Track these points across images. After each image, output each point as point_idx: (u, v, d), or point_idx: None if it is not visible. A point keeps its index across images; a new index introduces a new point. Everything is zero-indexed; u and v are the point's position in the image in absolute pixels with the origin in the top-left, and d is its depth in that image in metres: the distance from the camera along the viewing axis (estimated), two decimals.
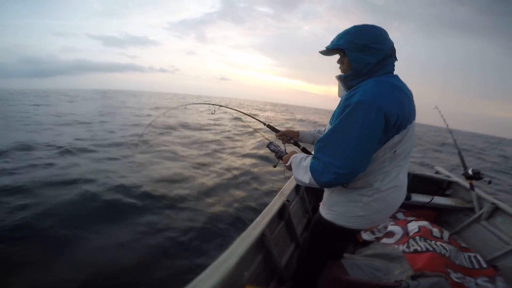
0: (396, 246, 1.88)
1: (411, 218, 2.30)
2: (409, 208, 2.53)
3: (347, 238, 1.34)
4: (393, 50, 1.02)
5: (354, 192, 1.08)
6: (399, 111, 0.93)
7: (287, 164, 1.20)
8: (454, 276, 1.65)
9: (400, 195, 1.12)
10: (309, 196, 2.56)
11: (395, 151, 1.00)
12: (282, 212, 1.87)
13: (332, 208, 1.16)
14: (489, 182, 2.59)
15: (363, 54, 0.99)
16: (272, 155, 1.44)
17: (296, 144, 1.53)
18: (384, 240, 2.03)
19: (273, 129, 1.64)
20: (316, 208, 2.46)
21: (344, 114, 0.94)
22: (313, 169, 0.99)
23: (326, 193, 1.23)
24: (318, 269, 1.34)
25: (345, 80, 1.08)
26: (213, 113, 1.99)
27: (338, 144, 0.94)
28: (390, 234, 2.08)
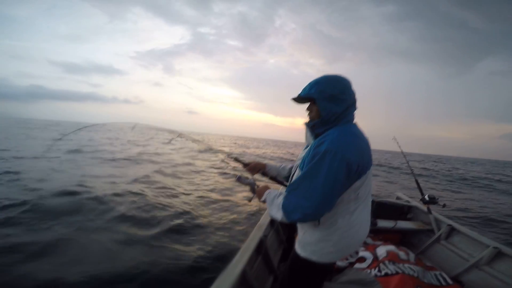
0: (368, 271, 1.96)
1: (379, 243, 2.43)
2: (376, 233, 2.68)
3: (324, 272, 1.38)
4: (355, 100, 1.16)
5: (324, 232, 1.16)
6: (360, 159, 1.05)
7: (262, 199, 1.28)
8: None
9: (364, 231, 1.23)
10: (283, 226, 2.60)
11: (358, 194, 1.12)
12: (259, 247, 1.89)
13: (306, 247, 1.22)
14: (444, 206, 2.87)
15: (332, 104, 1.10)
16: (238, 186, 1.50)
17: (264, 174, 1.59)
18: (357, 265, 2.10)
19: (240, 161, 1.67)
20: (290, 238, 2.50)
21: (313, 162, 1.05)
22: (284, 208, 1.09)
23: (300, 232, 1.29)
24: None
25: (313, 127, 1.18)
26: (169, 143, 1.98)
27: (307, 188, 1.04)
28: (362, 260, 2.16)
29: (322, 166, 1.02)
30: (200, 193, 6.03)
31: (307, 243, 1.22)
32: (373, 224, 2.64)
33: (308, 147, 1.19)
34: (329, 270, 1.43)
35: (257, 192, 1.37)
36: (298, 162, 1.30)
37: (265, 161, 1.67)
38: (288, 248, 2.43)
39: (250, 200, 1.59)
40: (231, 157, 1.73)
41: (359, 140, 1.10)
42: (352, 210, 1.14)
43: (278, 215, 1.11)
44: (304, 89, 1.17)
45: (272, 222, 2.38)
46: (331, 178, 1.01)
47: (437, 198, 2.82)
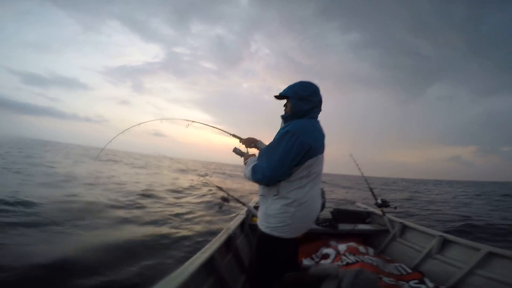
0: (332, 264, 2.07)
1: (342, 243, 2.58)
2: (339, 237, 2.83)
3: (286, 249, 1.49)
4: (320, 103, 1.50)
5: (282, 202, 1.37)
6: (313, 143, 1.35)
7: (245, 161, 1.54)
8: (386, 279, 1.88)
9: (316, 206, 1.48)
10: (253, 233, 2.65)
11: (310, 171, 1.39)
12: (229, 243, 1.95)
13: (268, 220, 1.41)
14: (395, 208, 3.17)
15: (301, 103, 1.42)
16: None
17: (256, 147, 1.80)
18: (322, 262, 2.21)
19: (237, 136, 1.90)
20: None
21: (276, 138, 1.37)
22: (253, 168, 1.38)
23: (263, 207, 1.47)
24: (269, 281, 1.42)
25: (285, 118, 1.50)
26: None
27: (269, 156, 1.35)
28: (326, 256, 2.28)
29: (282, 142, 1.31)
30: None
31: (269, 215, 1.39)
32: (334, 227, 2.81)
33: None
34: (291, 247, 1.54)
35: (245, 157, 1.62)
36: None
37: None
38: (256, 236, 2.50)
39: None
40: (231, 134, 1.97)
41: (314, 130, 1.40)
42: (303, 185, 1.37)
43: (248, 174, 1.39)
44: (284, 90, 1.49)
45: (242, 226, 2.43)
46: (287, 151, 1.29)
47: (389, 202, 3.12)
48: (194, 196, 8.71)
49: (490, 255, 1.96)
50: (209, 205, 6.96)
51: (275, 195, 1.37)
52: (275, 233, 1.37)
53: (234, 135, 1.93)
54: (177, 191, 9.43)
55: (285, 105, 1.54)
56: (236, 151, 1.76)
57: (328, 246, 2.58)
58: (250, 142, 1.80)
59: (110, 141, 2.46)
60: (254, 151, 1.76)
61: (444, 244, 2.34)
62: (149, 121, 2.46)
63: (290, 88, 1.46)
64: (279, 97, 1.53)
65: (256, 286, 1.51)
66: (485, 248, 2.00)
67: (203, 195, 8.83)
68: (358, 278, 1.06)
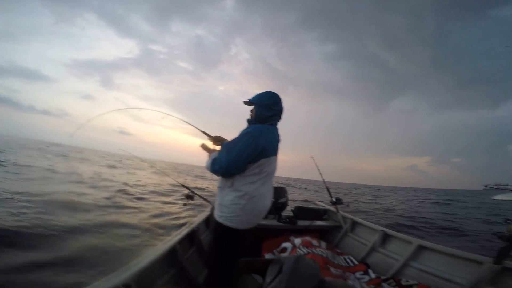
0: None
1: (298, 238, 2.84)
2: (299, 232, 3.09)
3: (239, 240, 1.64)
4: (280, 112, 1.72)
5: (235, 194, 1.55)
6: (266, 145, 1.56)
7: (209, 154, 1.71)
8: (333, 270, 2.09)
9: (265, 203, 1.67)
10: None
11: (261, 170, 1.60)
12: (192, 237, 2.04)
13: (222, 210, 1.58)
14: (348, 205, 3.53)
15: (264, 110, 1.63)
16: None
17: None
18: (281, 255, 2.44)
19: (206, 133, 2.02)
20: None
21: (237, 137, 1.56)
22: (213, 160, 1.57)
23: (219, 197, 1.64)
24: (226, 269, 1.55)
25: (249, 122, 1.70)
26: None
27: (228, 150, 1.54)
28: (284, 250, 2.51)
29: (241, 140, 1.52)
30: None
31: (223, 205, 1.57)
32: (293, 223, 3.07)
33: None
34: (246, 240, 1.71)
35: (210, 150, 1.77)
36: None
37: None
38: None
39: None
40: (200, 130, 2.04)
41: (270, 134, 1.62)
42: (255, 181, 1.57)
43: (209, 167, 1.58)
44: (252, 97, 1.69)
45: (207, 223, 2.55)
46: (243, 148, 1.49)
47: (342, 200, 3.48)
48: (164, 196, 8.65)
49: (420, 248, 2.18)
50: (176, 203, 6.98)
51: (230, 187, 1.55)
52: (227, 223, 1.54)
53: (203, 132, 2.04)
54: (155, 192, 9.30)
55: (251, 111, 1.73)
56: (204, 146, 1.88)
57: (287, 241, 2.83)
58: (217, 140, 1.94)
59: (73, 134, 2.16)
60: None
61: (385, 238, 2.59)
62: (125, 108, 2.40)
63: (257, 96, 1.68)
64: (247, 103, 1.72)
65: (213, 272, 1.64)
66: (416, 241, 2.23)
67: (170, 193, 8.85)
68: (298, 263, 1.25)
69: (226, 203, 1.55)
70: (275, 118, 1.69)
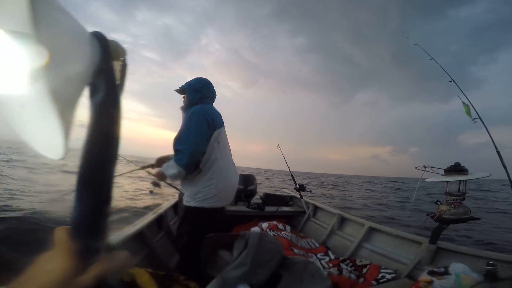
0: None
1: (265, 223, 3.03)
2: (267, 218, 3.26)
3: (213, 218, 1.72)
4: (212, 94, 1.79)
5: (205, 177, 1.61)
6: (213, 118, 1.63)
7: (160, 175, 1.69)
8: (296, 251, 2.22)
9: (234, 176, 1.77)
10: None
11: (219, 142, 1.67)
12: (160, 222, 2.06)
13: (196, 196, 1.61)
14: (310, 191, 3.79)
15: (194, 93, 1.71)
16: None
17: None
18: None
19: (148, 166, 1.99)
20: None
21: (185, 121, 1.58)
22: (176, 160, 1.53)
23: (187, 186, 1.67)
24: (198, 251, 1.67)
25: (185, 108, 1.72)
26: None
27: (185, 136, 1.56)
28: None
29: (191, 121, 1.56)
30: None
31: (195, 192, 1.60)
32: (261, 208, 3.25)
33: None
34: (220, 221, 1.80)
35: (156, 176, 1.75)
36: None
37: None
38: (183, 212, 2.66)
39: (151, 191, 1.91)
40: (140, 168, 1.99)
41: (211, 109, 1.71)
42: (218, 157, 1.63)
43: (174, 170, 1.53)
44: (183, 85, 1.75)
45: (176, 208, 2.59)
46: (198, 126, 1.55)
47: (305, 186, 3.70)
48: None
49: (371, 229, 2.33)
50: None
51: (198, 173, 1.58)
52: (205, 205, 1.58)
53: (144, 167, 2.02)
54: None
55: (184, 97, 1.79)
56: (154, 183, 1.87)
57: (256, 226, 3.01)
58: (162, 161, 1.87)
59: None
60: None
61: (342, 221, 2.79)
62: None
63: (187, 83, 1.75)
64: (179, 91, 1.79)
65: (186, 255, 1.67)
66: (368, 223, 2.38)
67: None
68: (262, 240, 1.32)
69: (198, 189, 1.59)
70: (206, 99, 1.75)
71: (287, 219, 3.49)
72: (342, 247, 2.48)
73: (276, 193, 4.01)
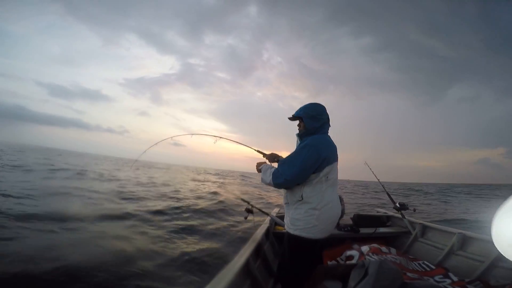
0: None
1: (364, 246, 2.70)
2: (361, 240, 2.95)
3: (313, 249, 1.70)
4: (328, 120, 1.75)
5: (307, 206, 1.59)
6: (327, 154, 1.60)
7: (259, 167, 1.76)
8: (410, 275, 1.94)
9: (337, 209, 1.71)
10: (277, 240, 2.83)
11: (327, 177, 1.63)
12: (258, 250, 2.12)
13: (295, 224, 1.62)
14: (414, 210, 3.26)
15: (312, 121, 1.69)
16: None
17: (278, 161, 1.98)
18: (347, 263, 2.34)
19: (261, 152, 2.10)
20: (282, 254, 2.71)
21: (297, 148, 1.62)
22: (274, 174, 1.60)
23: (289, 213, 1.68)
24: (300, 280, 1.62)
25: (301, 136, 1.75)
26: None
27: (291, 163, 1.59)
28: (350, 258, 2.41)
29: (302, 152, 1.57)
30: None
31: (296, 219, 1.60)
32: (356, 231, 2.95)
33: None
34: (317, 250, 1.74)
35: (257, 164, 1.83)
36: None
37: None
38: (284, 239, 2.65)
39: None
40: (255, 150, 2.14)
41: (327, 143, 1.66)
42: (324, 189, 1.60)
43: (268, 179, 1.61)
44: (297, 111, 1.76)
45: (267, 235, 2.62)
46: (306, 159, 1.55)
47: (407, 204, 3.22)
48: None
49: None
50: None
51: (299, 201, 1.58)
52: (304, 234, 1.57)
53: (258, 151, 2.12)
54: None
55: (298, 125, 1.78)
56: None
57: (351, 249, 2.71)
58: (273, 157, 2.00)
59: (144, 151, 2.75)
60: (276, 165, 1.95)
61: (464, 240, 2.43)
62: (180, 135, 2.72)
63: (302, 109, 1.72)
64: (292, 118, 1.79)
65: (287, 283, 1.68)
66: None
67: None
68: (382, 267, 1.23)
69: (299, 217, 1.59)
70: (324, 126, 1.73)
71: (386, 240, 3.10)
72: (466, 268, 2.21)
73: (368, 213, 3.60)
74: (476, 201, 17.16)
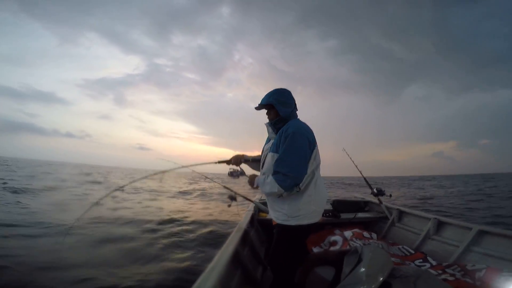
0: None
1: (346, 231, 2.77)
2: (342, 225, 3.02)
3: (307, 234, 1.68)
4: (295, 104, 1.68)
5: (306, 194, 1.53)
6: (311, 136, 1.54)
7: (254, 186, 1.63)
8: (393, 259, 2.04)
9: (325, 190, 1.68)
10: (262, 227, 2.80)
11: (316, 162, 1.58)
12: (245, 238, 2.06)
13: (294, 215, 1.53)
14: (390, 196, 3.40)
15: (284, 107, 1.60)
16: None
17: (247, 160, 1.90)
18: (331, 249, 2.38)
19: (224, 161, 1.94)
20: (269, 238, 2.69)
21: (286, 142, 1.48)
22: (278, 181, 1.45)
23: (284, 207, 1.56)
24: (294, 268, 1.59)
25: (275, 123, 1.64)
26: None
27: (290, 159, 1.47)
28: (334, 243, 2.45)
29: (294, 143, 1.46)
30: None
31: (295, 210, 1.52)
32: (337, 216, 3.00)
33: (275, 137, 1.60)
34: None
35: (248, 180, 1.69)
36: (266, 152, 1.68)
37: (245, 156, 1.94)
38: (268, 248, 2.61)
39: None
40: (216, 162, 1.97)
41: (307, 126, 1.60)
42: (315, 174, 1.57)
43: (274, 188, 1.45)
44: (264, 99, 1.64)
45: (252, 221, 2.57)
46: (302, 149, 1.47)
47: (384, 190, 3.36)
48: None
49: (481, 232, 2.14)
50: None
51: (298, 191, 1.50)
52: (305, 222, 1.51)
53: (219, 162, 1.96)
54: None
55: (268, 113, 1.68)
56: (232, 173, 1.84)
57: (333, 234, 2.76)
58: (238, 159, 1.88)
59: (169, 170, 2.08)
60: (244, 166, 1.87)
61: (439, 225, 2.52)
62: (182, 167, 2.08)
63: (271, 96, 1.62)
64: (261, 107, 1.68)
65: (281, 273, 1.61)
66: (476, 226, 2.18)
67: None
68: (375, 253, 1.24)
69: (299, 206, 1.52)
70: (295, 111, 1.67)
71: (364, 225, 3.21)
72: (443, 253, 2.29)
73: (347, 199, 3.70)
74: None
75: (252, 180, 1.66)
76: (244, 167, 1.90)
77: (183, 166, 2.06)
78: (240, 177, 1.82)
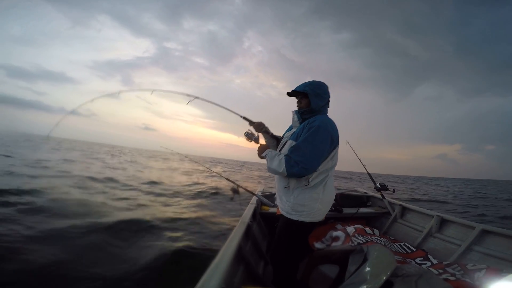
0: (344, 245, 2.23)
1: (348, 226, 2.75)
2: (344, 220, 3.01)
3: (311, 231, 1.68)
4: (329, 100, 1.65)
5: (313, 190, 1.51)
6: (335, 136, 1.52)
7: (263, 155, 1.60)
8: (395, 257, 2.04)
9: (333, 189, 1.66)
10: (264, 220, 2.79)
11: (333, 162, 1.56)
12: (248, 232, 2.05)
13: (298, 209, 1.52)
14: (393, 191, 3.37)
15: (318, 99, 1.57)
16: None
17: (266, 132, 1.88)
18: (333, 244, 2.36)
19: (248, 119, 1.93)
20: (271, 232, 2.69)
21: (309, 132, 1.45)
22: (287, 162, 1.43)
23: (289, 199, 1.56)
24: (295, 264, 1.60)
25: (302, 113, 1.61)
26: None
27: (306, 150, 1.43)
28: (336, 239, 2.44)
29: (316, 136, 1.43)
30: None
31: (300, 205, 1.50)
32: (339, 211, 2.98)
33: (299, 127, 1.57)
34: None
35: (258, 148, 1.68)
36: (286, 138, 1.66)
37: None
38: (270, 241, 2.60)
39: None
40: (241, 116, 1.95)
41: (334, 124, 1.56)
42: (330, 175, 1.55)
43: (280, 168, 1.44)
44: (300, 87, 1.61)
45: (255, 215, 2.55)
46: (321, 144, 1.44)
47: (387, 185, 3.32)
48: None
49: (484, 232, 2.13)
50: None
51: (306, 185, 1.48)
52: (308, 219, 1.50)
53: (244, 118, 1.94)
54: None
55: (299, 101, 1.66)
56: (248, 134, 1.81)
57: (335, 229, 2.75)
58: (260, 126, 1.86)
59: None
60: (261, 136, 1.86)
61: (442, 223, 2.50)
62: (136, 90, 2.23)
63: (307, 85, 1.59)
64: (292, 93, 1.66)
65: (282, 269, 1.62)
66: (479, 226, 2.16)
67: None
68: (380, 252, 1.23)
69: (303, 202, 1.51)
70: (326, 106, 1.64)
71: (366, 220, 3.20)
72: (444, 251, 2.28)
73: (350, 193, 3.67)
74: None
75: (263, 149, 1.64)
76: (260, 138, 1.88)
77: (195, 97, 2.21)
78: (253, 142, 1.81)
